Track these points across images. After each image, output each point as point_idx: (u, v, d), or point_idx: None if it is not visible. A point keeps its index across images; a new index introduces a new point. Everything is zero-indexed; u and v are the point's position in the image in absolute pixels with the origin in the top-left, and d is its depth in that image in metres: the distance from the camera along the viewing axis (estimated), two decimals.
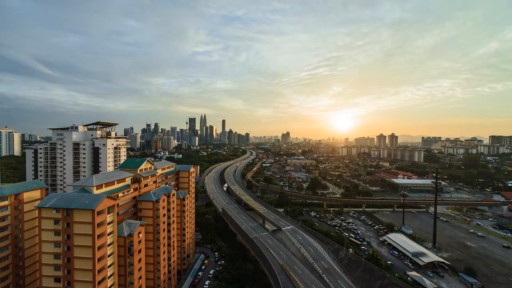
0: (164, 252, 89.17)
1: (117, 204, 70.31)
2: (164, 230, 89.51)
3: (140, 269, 73.21)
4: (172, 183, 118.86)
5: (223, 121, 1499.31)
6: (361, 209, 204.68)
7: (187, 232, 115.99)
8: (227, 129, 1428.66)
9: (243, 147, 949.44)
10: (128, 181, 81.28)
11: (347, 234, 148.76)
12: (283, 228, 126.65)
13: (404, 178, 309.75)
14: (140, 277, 73.00)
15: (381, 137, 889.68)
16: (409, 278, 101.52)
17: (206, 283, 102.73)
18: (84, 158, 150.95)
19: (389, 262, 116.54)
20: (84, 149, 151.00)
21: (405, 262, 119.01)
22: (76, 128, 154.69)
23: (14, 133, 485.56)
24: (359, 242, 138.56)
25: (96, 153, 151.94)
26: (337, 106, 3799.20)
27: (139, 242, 73.02)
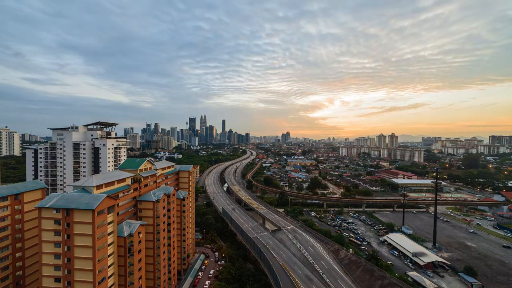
0: (164, 252, 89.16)
1: (117, 204, 70.35)
2: (164, 230, 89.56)
3: (140, 269, 73.16)
4: (172, 183, 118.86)
5: (223, 121, 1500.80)
6: (361, 209, 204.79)
7: (187, 232, 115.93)
8: (227, 129, 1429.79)
9: (243, 147, 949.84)
10: (128, 181, 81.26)
11: (347, 234, 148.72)
12: (283, 228, 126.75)
13: (404, 178, 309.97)
14: (140, 277, 72.94)
15: (381, 137, 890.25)
16: (409, 278, 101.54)
17: (206, 283, 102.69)
18: (84, 158, 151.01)
19: (389, 262, 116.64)
20: (84, 149, 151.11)
21: (405, 262, 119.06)
22: (76, 128, 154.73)
23: (14, 133, 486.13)
24: (359, 242, 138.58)
25: (96, 153, 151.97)
26: (338, 107, 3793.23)
27: (139, 242, 73.02)
